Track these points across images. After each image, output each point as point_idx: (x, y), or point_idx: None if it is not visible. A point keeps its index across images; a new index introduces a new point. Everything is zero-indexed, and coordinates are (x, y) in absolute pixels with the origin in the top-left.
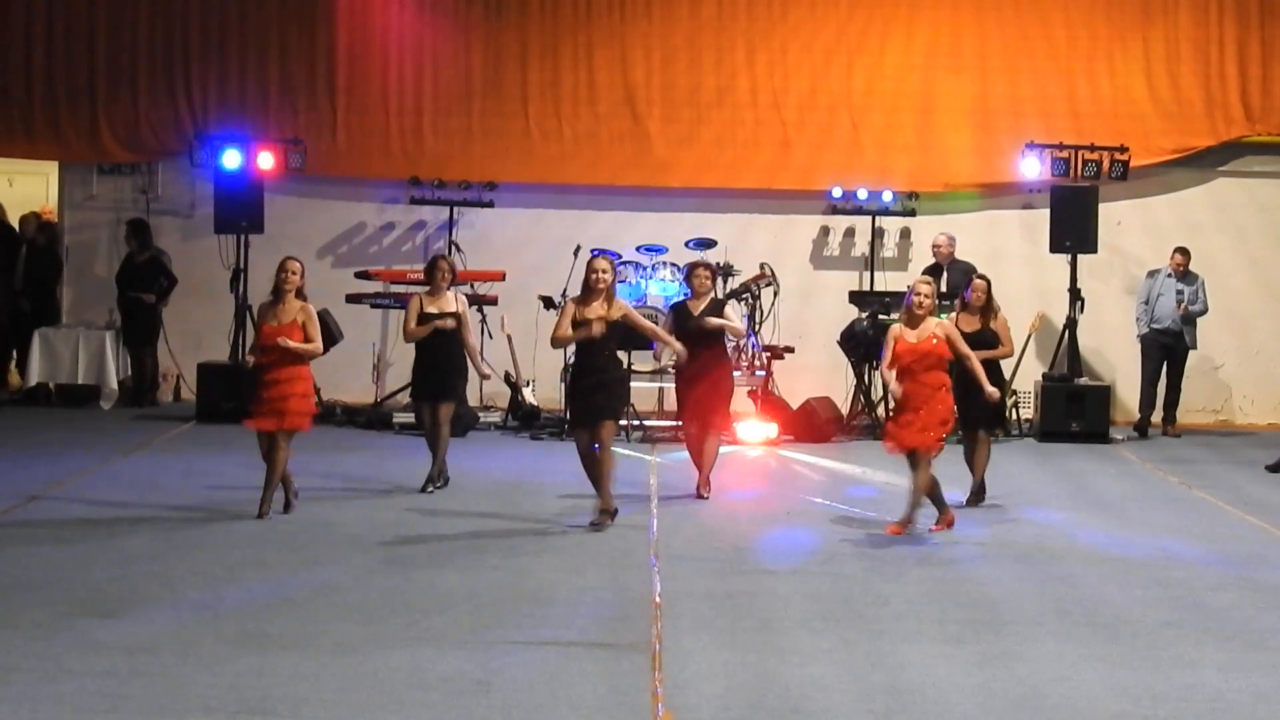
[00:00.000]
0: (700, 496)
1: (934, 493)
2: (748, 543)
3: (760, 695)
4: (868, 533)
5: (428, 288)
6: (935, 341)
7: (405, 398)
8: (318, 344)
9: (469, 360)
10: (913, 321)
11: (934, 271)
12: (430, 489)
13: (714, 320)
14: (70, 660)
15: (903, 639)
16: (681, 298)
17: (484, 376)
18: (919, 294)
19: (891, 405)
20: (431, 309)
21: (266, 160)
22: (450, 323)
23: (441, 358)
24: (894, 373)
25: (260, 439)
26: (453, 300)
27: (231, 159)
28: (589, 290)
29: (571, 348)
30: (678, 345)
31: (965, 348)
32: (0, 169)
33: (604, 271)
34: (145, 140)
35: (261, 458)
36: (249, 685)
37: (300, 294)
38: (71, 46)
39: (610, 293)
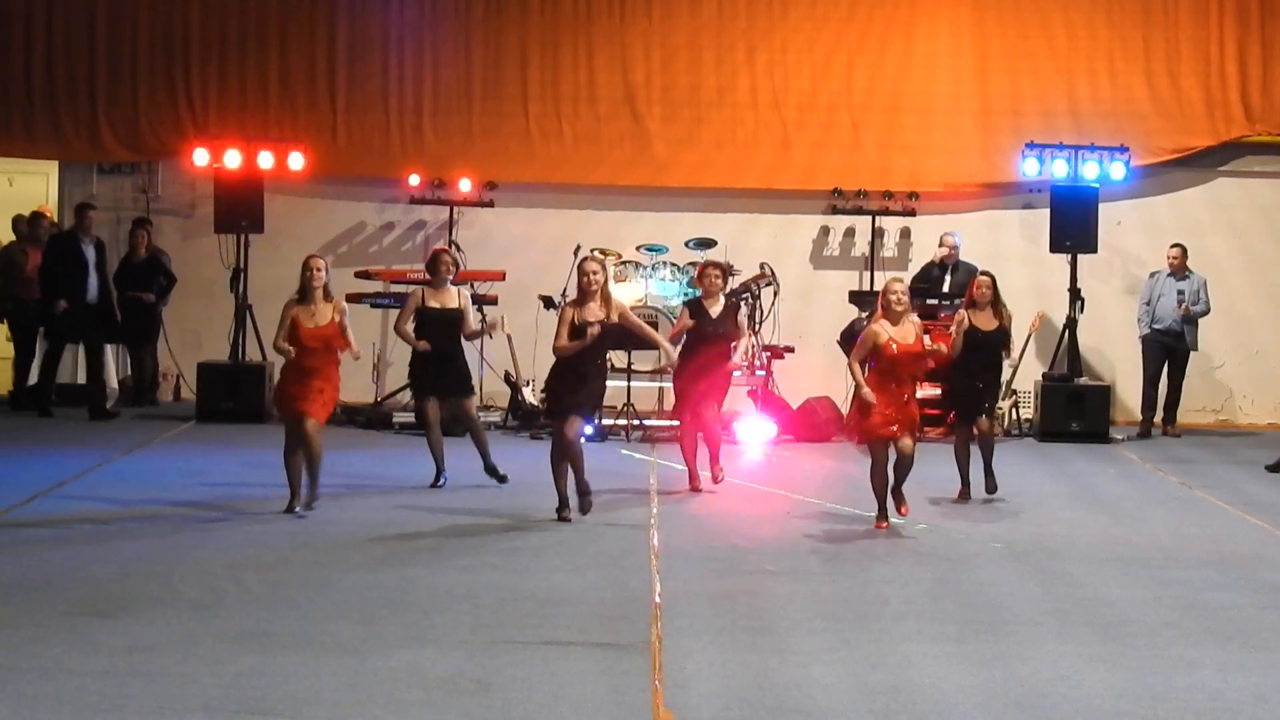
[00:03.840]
0: (715, 480)
1: (885, 491)
2: (748, 543)
3: (760, 695)
4: (868, 533)
5: (430, 281)
6: (916, 340)
7: (405, 397)
8: (353, 342)
9: (510, 347)
10: (894, 320)
11: (940, 270)
12: (501, 478)
13: (738, 362)
14: (70, 660)
15: (903, 639)
16: (695, 295)
17: (482, 334)
18: (894, 292)
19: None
20: (434, 303)
21: (266, 160)
22: (426, 345)
23: (444, 355)
24: (864, 371)
25: (290, 435)
26: (455, 295)
27: (231, 159)
28: (583, 293)
29: None
30: (671, 352)
31: (929, 346)
32: (0, 169)
33: (595, 274)
34: (145, 140)
35: (287, 455)
36: (249, 685)
37: (327, 291)
38: (71, 46)
39: (605, 293)
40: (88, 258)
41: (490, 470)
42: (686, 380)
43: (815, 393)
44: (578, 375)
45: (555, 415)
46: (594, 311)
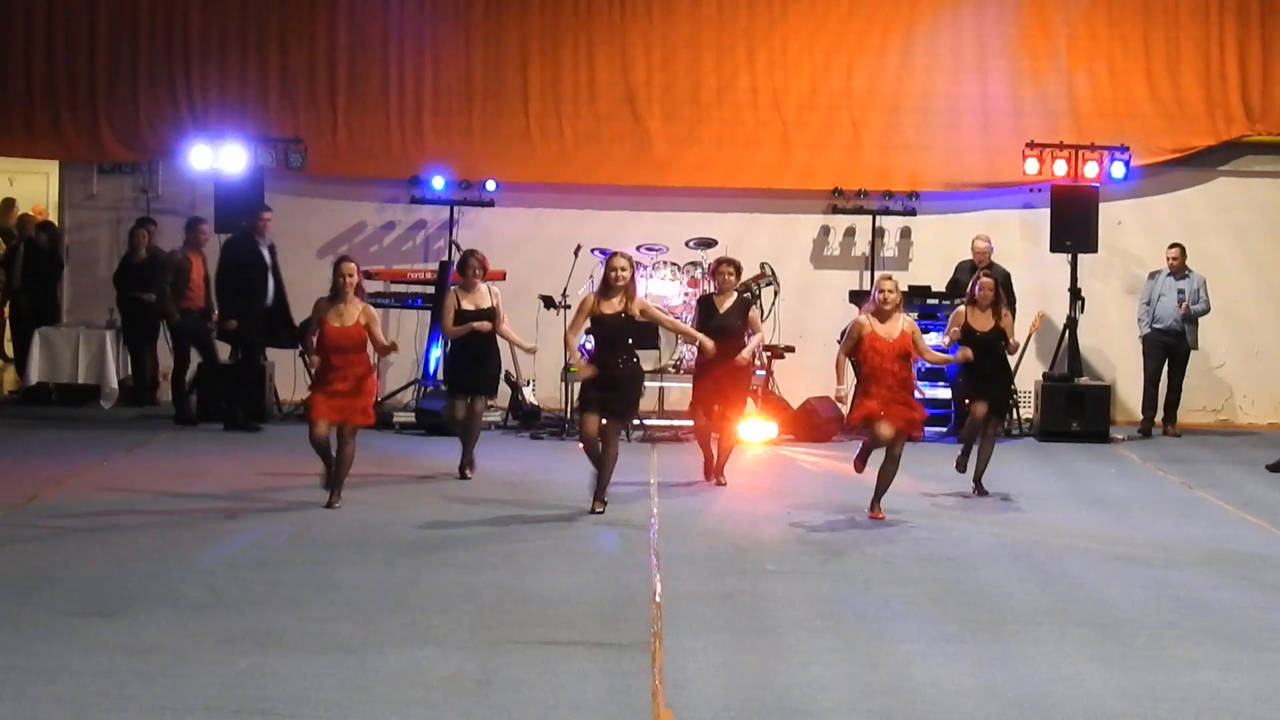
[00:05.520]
0: (718, 484)
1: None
2: (748, 543)
3: (760, 695)
4: (868, 533)
5: (460, 283)
6: (902, 336)
7: (405, 397)
8: (383, 340)
9: (511, 347)
10: (881, 316)
11: (970, 272)
12: (468, 475)
13: (746, 356)
14: (70, 660)
15: (903, 639)
16: (708, 292)
17: (530, 351)
18: (884, 290)
19: (840, 392)
20: (467, 304)
21: (267, 160)
22: (487, 325)
23: (479, 353)
24: (847, 362)
25: (314, 432)
26: (487, 294)
27: (232, 158)
28: (608, 287)
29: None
30: (707, 342)
31: (925, 346)
32: (0, 169)
33: (623, 269)
34: (145, 140)
35: (314, 448)
36: (249, 685)
37: (359, 292)
38: (71, 46)
39: (630, 290)
40: (266, 261)
41: (463, 466)
42: (702, 374)
43: (815, 393)
44: (611, 369)
45: (583, 410)
46: (615, 305)
